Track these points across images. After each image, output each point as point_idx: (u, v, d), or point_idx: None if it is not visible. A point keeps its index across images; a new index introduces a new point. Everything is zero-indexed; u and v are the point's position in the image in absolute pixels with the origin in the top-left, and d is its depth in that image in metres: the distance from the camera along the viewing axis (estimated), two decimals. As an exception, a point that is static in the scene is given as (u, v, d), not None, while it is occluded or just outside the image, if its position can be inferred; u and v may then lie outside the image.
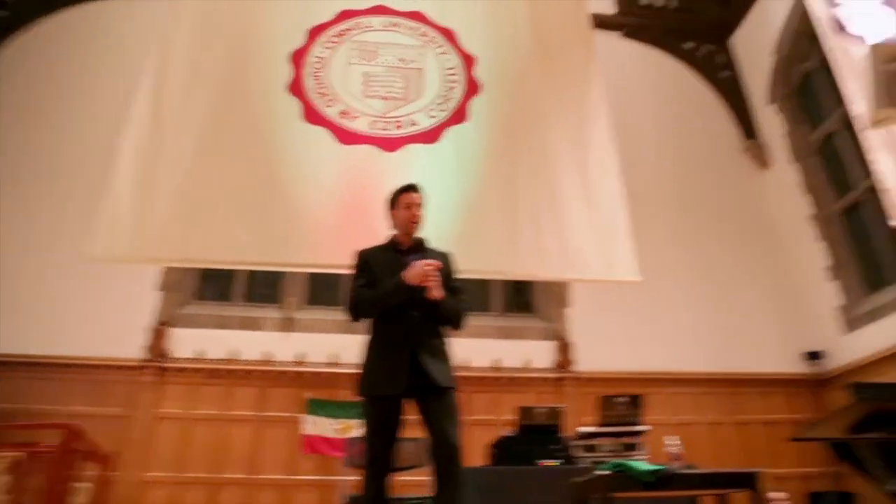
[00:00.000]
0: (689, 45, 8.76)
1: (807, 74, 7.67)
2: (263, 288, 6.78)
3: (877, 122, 4.54)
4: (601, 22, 7.89)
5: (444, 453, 2.56)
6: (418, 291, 2.67)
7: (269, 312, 6.54)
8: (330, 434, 5.73)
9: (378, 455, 2.65)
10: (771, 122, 8.02)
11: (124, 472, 5.49)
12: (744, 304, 7.17)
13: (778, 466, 6.07)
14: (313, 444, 5.64)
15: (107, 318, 6.14)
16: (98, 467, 3.17)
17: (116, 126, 5.16)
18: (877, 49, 4.52)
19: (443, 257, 2.87)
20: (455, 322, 2.81)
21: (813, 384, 6.84)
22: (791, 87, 7.89)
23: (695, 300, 7.09)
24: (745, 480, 3.03)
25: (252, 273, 6.69)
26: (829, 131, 7.30)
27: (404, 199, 2.93)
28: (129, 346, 6.10)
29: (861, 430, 2.75)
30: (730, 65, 8.72)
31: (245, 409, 5.97)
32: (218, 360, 5.99)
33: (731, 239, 7.53)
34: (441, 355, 2.73)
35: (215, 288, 6.83)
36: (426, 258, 2.73)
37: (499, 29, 6.21)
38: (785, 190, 7.61)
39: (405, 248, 2.88)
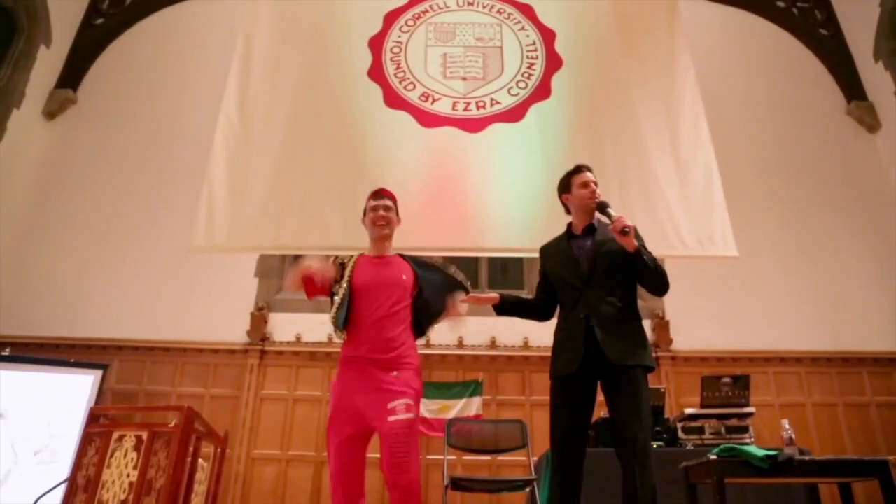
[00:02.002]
0: (781, 2, 8.20)
1: (920, 26, 7.05)
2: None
3: None
4: (686, -15, 7.48)
5: (622, 448, 2.45)
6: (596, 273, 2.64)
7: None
8: (426, 415, 5.84)
9: (557, 438, 2.57)
10: (878, 80, 7.42)
11: (234, 449, 5.89)
12: (855, 277, 6.71)
13: (897, 452, 5.69)
14: (411, 426, 5.75)
15: (214, 305, 6.53)
16: (214, 446, 3.34)
17: (211, 119, 5.38)
18: None
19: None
20: (656, 279, 2.66)
21: (937, 362, 6.34)
22: (901, 40, 7.28)
23: (799, 274, 6.69)
24: (874, 469, 2.82)
25: (345, 259, 6.86)
26: (948, 88, 6.69)
27: (578, 179, 2.89)
28: (234, 330, 6.45)
29: None
30: (829, 21, 8.12)
31: (344, 390, 6.17)
32: (316, 342, 6.17)
33: (837, 207, 7.04)
34: (624, 330, 2.59)
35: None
36: (596, 238, 2.70)
37: (577, 1, 6.00)
38: (899, 153, 7.04)
39: (579, 231, 2.82)
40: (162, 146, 7.27)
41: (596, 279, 2.64)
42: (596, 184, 2.85)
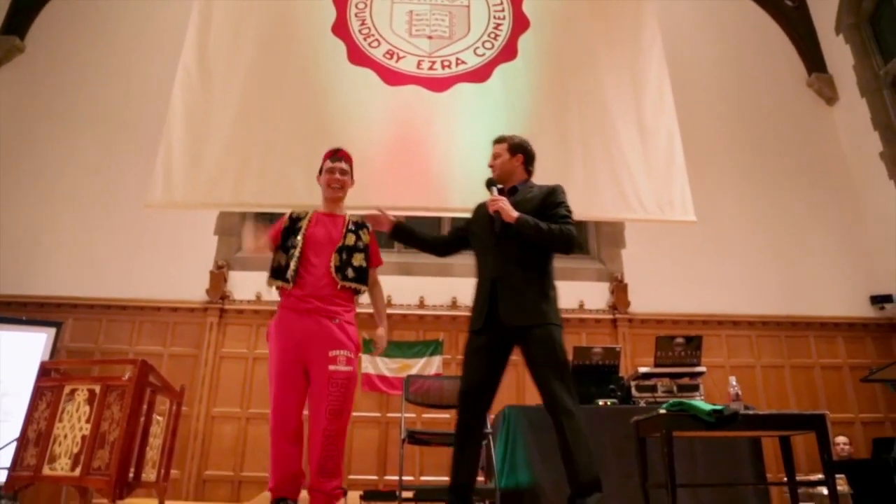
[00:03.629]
0: (749, -28, 8.25)
1: (880, 1, 7.17)
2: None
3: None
4: (655, -49, 7.44)
5: (547, 405, 2.50)
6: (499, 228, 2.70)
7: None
8: (386, 373, 5.89)
9: (462, 389, 2.64)
10: (838, 54, 7.57)
11: (194, 407, 5.88)
12: (806, 246, 6.94)
13: (839, 411, 5.98)
14: (370, 383, 5.82)
15: (172, 263, 6.42)
16: (170, 400, 3.32)
17: (169, 70, 5.21)
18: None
19: (544, 190, 2.81)
20: (551, 242, 2.65)
21: (880, 329, 6.63)
22: (860, 15, 7.40)
23: (754, 241, 6.89)
24: (811, 422, 2.96)
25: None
26: (903, 62, 6.87)
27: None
28: (193, 288, 6.36)
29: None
30: (795, -8, 8.21)
31: (302, 349, 6.19)
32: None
33: (794, 177, 7.24)
34: (529, 292, 2.61)
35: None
36: (514, 199, 2.75)
37: (547, -37, 5.93)
38: (854, 126, 7.22)
39: (503, 193, 2.85)
40: (117, 97, 7.01)
41: (506, 240, 2.69)
42: (496, 157, 2.93)
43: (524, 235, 2.62)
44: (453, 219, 6.91)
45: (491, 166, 2.93)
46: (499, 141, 2.99)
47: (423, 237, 3.11)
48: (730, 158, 7.19)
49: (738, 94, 7.57)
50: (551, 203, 2.74)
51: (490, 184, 2.84)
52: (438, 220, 6.83)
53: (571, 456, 2.45)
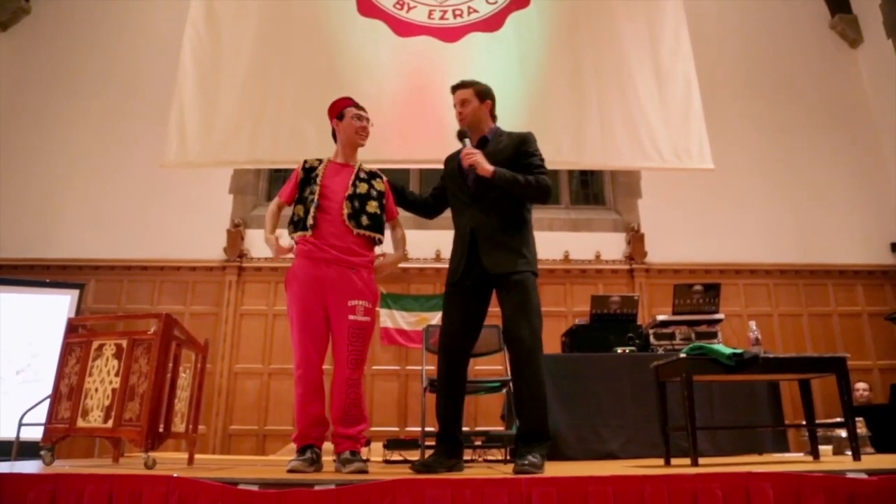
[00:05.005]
0: None
1: (910, -67, 6.85)
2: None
3: None
4: None
5: (510, 347, 2.53)
6: (474, 183, 2.65)
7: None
8: (404, 326, 5.96)
9: (441, 340, 2.67)
10: (864, -8, 7.30)
11: (216, 364, 6.01)
12: (825, 193, 6.84)
13: (857, 358, 5.98)
14: (389, 336, 5.90)
15: (189, 222, 6.48)
16: (195, 354, 3.38)
17: (178, 28, 5.15)
18: None
19: (515, 139, 2.76)
20: (528, 193, 2.62)
21: (900, 275, 6.58)
22: (890, -51, 7.09)
23: (773, 189, 6.79)
24: (831, 365, 2.97)
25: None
26: (933, -2, 6.60)
27: (453, 98, 2.85)
28: (211, 247, 6.44)
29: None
30: (818, -72, 7.87)
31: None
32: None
33: (814, 123, 7.08)
34: (506, 241, 2.61)
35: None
36: (486, 151, 2.68)
37: None
38: (879, 69, 7.00)
39: (473, 144, 2.78)
40: (127, 57, 6.96)
41: (481, 193, 2.65)
42: (464, 103, 2.78)
43: (502, 186, 2.59)
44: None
45: (460, 113, 2.78)
46: (462, 86, 2.84)
47: (412, 199, 3.04)
48: (747, 104, 7.03)
49: (755, 38, 7.35)
50: (524, 152, 2.70)
51: (462, 135, 2.73)
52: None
53: (522, 404, 2.49)
